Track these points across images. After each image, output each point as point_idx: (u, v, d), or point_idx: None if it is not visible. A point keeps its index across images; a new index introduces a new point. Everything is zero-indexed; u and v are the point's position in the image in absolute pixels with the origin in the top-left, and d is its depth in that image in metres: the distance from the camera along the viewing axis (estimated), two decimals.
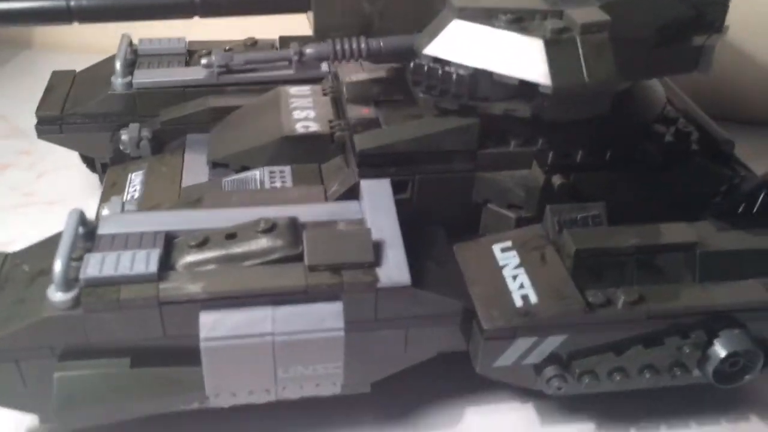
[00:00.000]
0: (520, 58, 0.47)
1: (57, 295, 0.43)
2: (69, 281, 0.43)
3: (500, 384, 0.54)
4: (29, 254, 0.50)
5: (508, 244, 0.52)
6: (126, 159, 0.65)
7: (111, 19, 0.51)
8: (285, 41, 0.73)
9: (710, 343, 0.49)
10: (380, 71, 0.60)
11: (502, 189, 0.55)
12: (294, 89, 0.65)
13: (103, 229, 0.48)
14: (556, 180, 0.53)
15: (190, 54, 0.72)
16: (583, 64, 0.46)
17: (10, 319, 0.44)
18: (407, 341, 0.49)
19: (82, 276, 0.44)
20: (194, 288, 0.44)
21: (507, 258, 0.51)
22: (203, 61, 0.55)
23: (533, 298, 0.48)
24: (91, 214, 0.73)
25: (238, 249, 0.47)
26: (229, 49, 0.70)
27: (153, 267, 0.44)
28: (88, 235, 0.48)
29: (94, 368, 0.45)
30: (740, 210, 0.56)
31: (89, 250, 0.46)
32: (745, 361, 0.50)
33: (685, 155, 0.56)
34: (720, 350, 0.49)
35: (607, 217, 0.52)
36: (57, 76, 0.73)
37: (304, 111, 0.61)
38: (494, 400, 0.56)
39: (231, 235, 0.47)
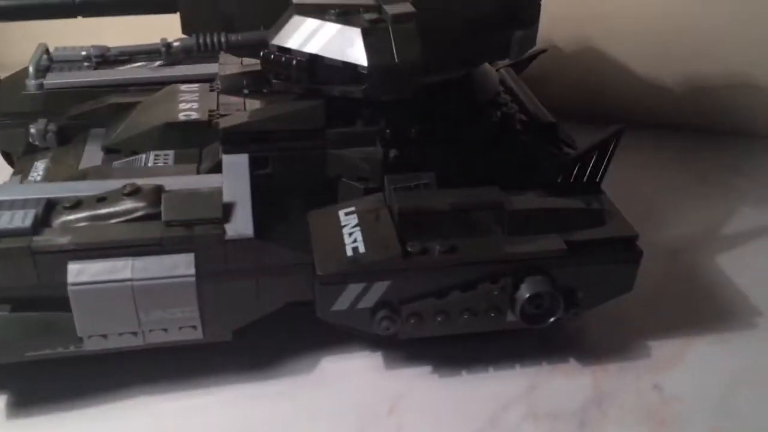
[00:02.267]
0: (344, 44, 0.56)
1: None
2: None
3: (352, 337, 0.62)
4: None
5: (352, 209, 0.61)
6: (36, 151, 0.74)
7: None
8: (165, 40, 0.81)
9: (517, 288, 0.58)
10: (254, 66, 0.69)
11: (351, 164, 0.63)
12: (185, 86, 0.74)
13: None
14: (392, 153, 0.62)
15: (99, 58, 0.81)
16: (394, 49, 0.55)
17: None
18: (258, 291, 0.57)
19: None
20: (62, 240, 0.52)
21: (348, 219, 0.60)
22: (83, 53, 0.63)
23: (361, 249, 0.56)
24: None
25: (105, 209, 0.55)
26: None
27: (28, 222, 0.52)
28: None
29: None
30: (559, 180, 0.65)
31: None
32: (548, 302, 0.58)
33: (509, 133, 0.65)
34: (524, 292, 0.57)
35: (436, 186, 0.61)
36: None
37: (189, 103, 0.70)
38: (347, 350, 0.64)
39: (101, 199, 0.55)
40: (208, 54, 0.62)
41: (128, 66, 0.79)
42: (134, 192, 0.55)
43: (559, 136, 0.68)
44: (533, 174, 0.65)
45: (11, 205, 0.55)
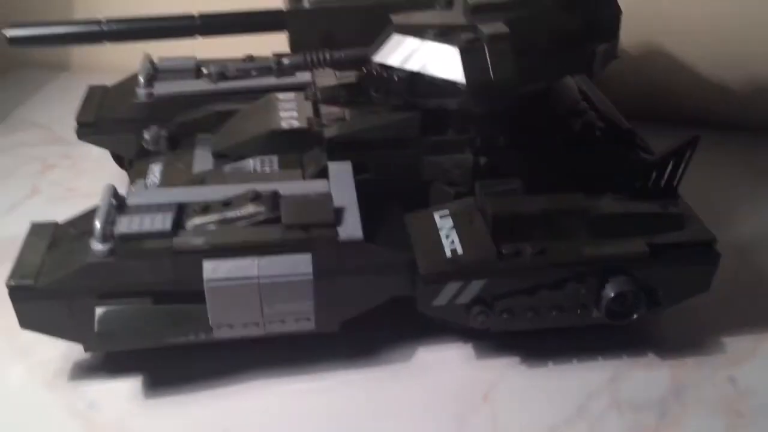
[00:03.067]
0: (443, 62, 0.61)
1: (97, 246, 0.58)
2: (106, 236, 0.58)
3: (446, 328, 0.67)
4: (74, 221, 0.65)
5: (446, 212, 0.66)
6: (148, 155, 0.81)
7: (132, 40, 0.67)
8: (278, 56, 0.88)
9: (602, 287, 0.63)
10: (348, 78, 0.75)
11: (443, 169, 0.69)
12: (282, 95, 0.80)
13: (130, 201, 0.63)
14: (482, 160, 0.67)
15: (199, 69, 0.87)
16: (490, 67, 0.60)
17: (62, 265, 0.59)
18: (365, 287, 0.63)
19: (115, 232, 0.58)
20: (198, 241, 0.59)
21: (444, 222, 0.65)
22: (204, 71, 0.70)
23: (459, 250, 0.62)
24: None
25: (231, 213, 0.61)
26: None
27: (168, 225, 0.59)
28: (119, 207, 0.62)
29: (125, 305, 0.59)
30: (637, 186, 0.69)
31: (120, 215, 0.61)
32: (631, 301, 0.63)
33: (590, 141, 0.70)
34: (610, 291, 0.62)
35: (524, 191, 0.66)
36: (92, 90, 0.89)
37: (289, 111, 0.76)
38: (441, 340, 0.69)
39: (226, 203, 0.62)
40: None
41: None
42: (256, 198, 0.62)
43: (636, 142, 0.72)
44: (612, 179, 0.69)
45: (147, 209, 0.62)
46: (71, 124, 0.83)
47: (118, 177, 0.93)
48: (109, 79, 0.92)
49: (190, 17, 0.66)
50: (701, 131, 0.66)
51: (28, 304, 0.59)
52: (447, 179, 0.69)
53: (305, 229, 0.60)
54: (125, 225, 0.59)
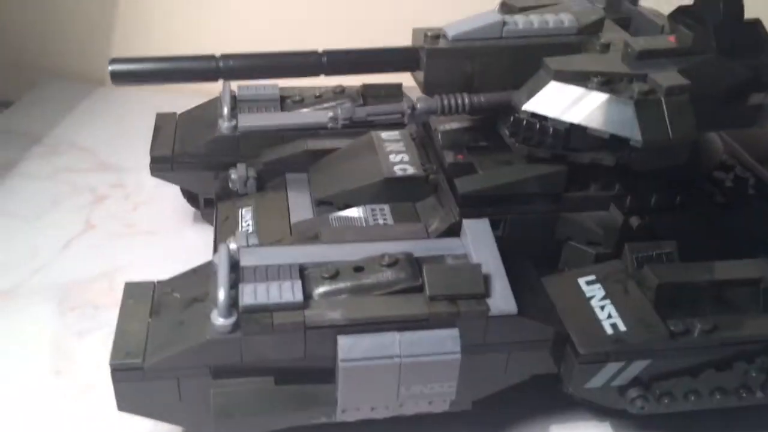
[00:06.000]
0: (613, 115, 0.54)
1: (219, 320, 0.50)
2: (229, 308, 0.50)
3: (580, 404, 0.60)
4: (177, 283, 0.56)
5: (593, 277, 0.59)
6: (232, 195, 0.73)
7: (251, 78, 0.59)
8: (368, 88, 0.80)
9: None
10: (468, 120, 0.68)
11: (584, 228, 0.62)
12: (384, 134, 0.72)
13: (244, 262, 0.55)
14: (634, 221, 0.60)
15: (283, 99, 0.79)
16: (668, 122, 0.53)
17: (172, 340, 0.51)
18: (508, 364, 0.56)
19: (240, 303, 0.50)
20: (334, 315, 0.51)
21: (592, 290, 0.58)
22: (330, 114, 0.62)
23: (622, 327, 0.55)
24: (189, 243, 0.80)
25: (366, 280, 0.54)
26: (320, 96, 0.78)
27: (299, 296, 0.51)
28: (233, 268, 0.54)
29: (245, 385, 0.51)
30: None
31: (235, 281, 0.53)
32: None
33: (744, 199, 0.63)
34: None
35: (678, 256, 0.60)
36: (161, 118, 0.80)
37: (399, 155, 0.69)
38: (576, 417, 0.62)
39: (358, 268, 0.54)
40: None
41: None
42: (393, 263, 0.54)
43: None
44: (764, 241, 0.63)
45: (267, 273, 0.54)
46: (118, 148, 0.74)
47: (181, 212, 0.86)
48: (150, 97, 0.83)
49: (315, 54, 0.58)
50: None
51: (134, 385, 0.51)
52: (585, 238, 0.62)
53: (452, 301, 0.53)
54: (250, 295, 0.51)
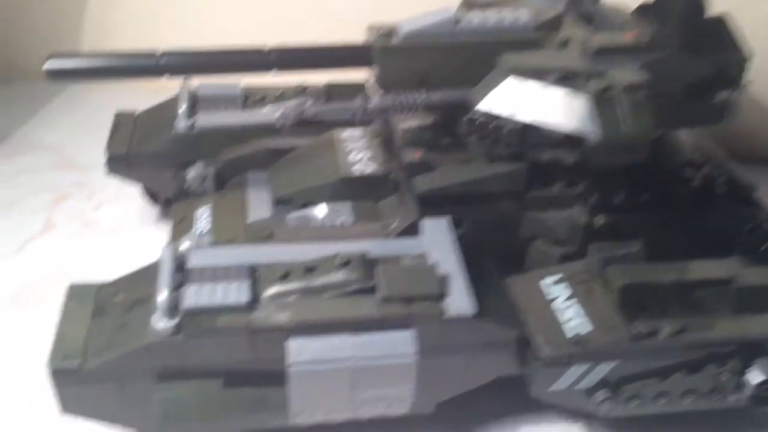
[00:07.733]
0: (569, 113, 0.53)
1: (160, 323, 0.48)
2: (171, 310, 0.48)
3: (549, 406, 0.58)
4: (120, 283, 0.54)
5: (557, 278, 0.57)
6: (188, 195, 0.70)
7: (196, 74, 0.57)
8: (332, 87, 0.78)
9: (746, 371, 0.54)
10: (429, 118, 0.66)
11: (548, 227, 0.60)
12: (345, 133, 0.70)
13: (191, 263, 0.53)
14: (599, 220, 0.58)
15: (245, 98, 0.77)
16: (626, 119, 0.52)
17: (114, 343, 0.49)
18: (468, 366, 0.54)
19: (182, 306, 0.48)
20: (282, 317, 0.49)
21: (557, 291, 0.56)
22: (277, 113, 0.60)
23: (585, 329, 0.53)
24: (151, 242, 0.77)
25: (317, 282, 0.51)
26: (281, 95, 0.76)
27: (244, 298, 0.49)
28: (178, 268, 0.52)
29: (190, 389, 0.49)
30: (763, 248, 0.62)
31: (181, 282, 0.51)
32: None
33: (712, 198, 0.62)
34: (755, 376, 0.54)
35: (645, 256, 0.58)
36: (120, 117, 0.78)
37: (358, 153, 0.67)
38: (545, 419, 0.60)
39: (310, 269, 0.52)
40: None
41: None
42: (345, 263, 0.52)
43: (755, 200, 0.65)
44: (733, 241, 0.61)
45: (215, 274, 0.51)
46: (84, 146, 0.72)
47: (144, 212, 0.83)
48: (121, 96, 0.81)
49: (261, 51, 0.56)
50: None
51: (74, 388, 0.48)
52: (552, 238, 0.60)
53: (406, 302, 0.51)
54: (193, 297, 0.49)
